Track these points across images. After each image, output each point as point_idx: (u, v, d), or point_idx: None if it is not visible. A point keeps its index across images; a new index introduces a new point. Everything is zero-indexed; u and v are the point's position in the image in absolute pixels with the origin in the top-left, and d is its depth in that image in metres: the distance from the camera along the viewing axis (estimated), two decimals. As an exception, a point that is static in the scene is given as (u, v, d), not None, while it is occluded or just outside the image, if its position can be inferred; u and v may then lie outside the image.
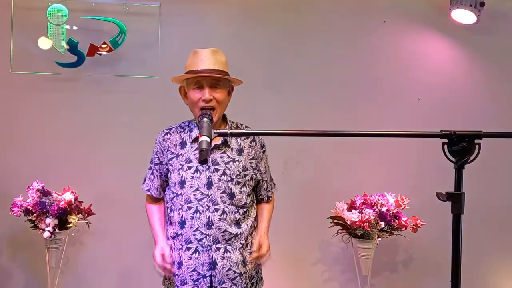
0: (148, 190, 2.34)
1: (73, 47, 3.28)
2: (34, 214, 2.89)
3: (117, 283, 3.40)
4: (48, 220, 2.88)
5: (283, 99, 3.51)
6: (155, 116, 3.30)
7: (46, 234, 2.87)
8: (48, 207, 2.89)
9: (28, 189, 2.96)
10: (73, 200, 2.96)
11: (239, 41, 3.43)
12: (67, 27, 3.30)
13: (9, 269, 3.31)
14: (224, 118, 2.31)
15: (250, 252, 2.29)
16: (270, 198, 2.42)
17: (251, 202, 2.31)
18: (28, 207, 2.89)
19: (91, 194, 3.18)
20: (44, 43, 3.27)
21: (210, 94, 2.16)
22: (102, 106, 3.37)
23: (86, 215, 3.02)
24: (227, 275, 2.21)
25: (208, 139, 1.44)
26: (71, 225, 2.95)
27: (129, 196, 3.21)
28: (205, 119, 1.56)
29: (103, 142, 3.37)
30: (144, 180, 2.37)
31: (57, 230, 2.92)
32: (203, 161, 1.42)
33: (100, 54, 3.32)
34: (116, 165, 3.35)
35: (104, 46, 3.31)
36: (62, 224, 2.94)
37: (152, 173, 2.32)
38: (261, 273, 2.39)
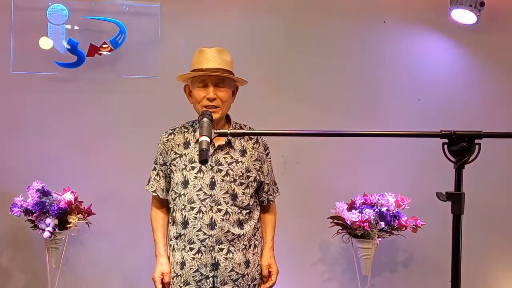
0: (154, 191, 2.32)
1: (73, 47, 3.28)
2: (34, 214, 2.89)
3: (117, 283, 3.40)
4: (48, 220, 2.88)
5: (283, 99, 3.51)
6: (156, 116, 3.30)
7: (46, 234, 2.87)
8: (48, 207, 2.89)
9: (28, 189, 2.96)
10: (73, 200, 2.96)
11: (239, 41, 3.43)
12: (67, 27, 3.30)
13: (9, 269, 3.31)
14: (228, 119, 2.32)
15: (254, 254, 2.29)
16: (271, 202, 2.42)
17: (254, 203, 2.31)
18: (28, 207, 2.88)
19: (91, 194, 3.17)
20: (45, 43, 3.26)
21: (214, 92, 2.16)
22: (102, 106, 3.37)
23: (86, 215, 3.01)
24: (229, 276, 2.21)
25: (208, 139, 1.44)
26: (71, 225, 2.94)
27: (129, 196, 3.23)
28: (205, 119, 1.55)
29: (103, 142, 3.37)
30: (149, 182, 2.35)
31: (57, 230, 2.92)
32: (203, 161, 1.42)
33: (100, 54, 3.32)
34: (116, 165, 3.35)
35: (104, 46, 3.31)
36: (62, 224, 2.94)
37: (158, 174, 2.31)
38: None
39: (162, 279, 2.27)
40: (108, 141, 3.37)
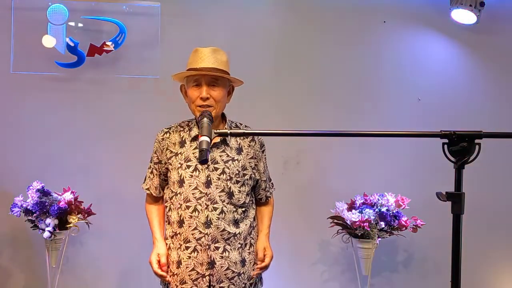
0: (147, 189, 2.34)
1: (73, 47, 3.28)
2: (34, 214, 2.89)
3: (117, 283, 3.40)
4: (48, 220, 2.88)
5: (283, 99, 3.51)
6: (155, 116, 3.29)
7: (46, 234, 2.87)
8: (48, 207, 2.89)
9: (28, 189, 2.96)
10: (73, 200, 2.96)
11: (239, 41, 3.43)
12: (68, 26, 3.30)
13: (9, 269, 3.31)
14: (223, 118, 2.32)
15: (249, 253, 2.29)
16: (269, 199, 2.42)
17: (250, 202, 2.32)
18: (28, 207, 2.88)
19: (91, 194, 3.17)
20: (48, 41, 3.26)
21: (207, 92, 2.17)
22: (102, 106, 3.37)
23: (86, 215, 3.01)
24: (225, 274, 2.21)
25: (208, 139, 1.44)
26: (71, 225, 2.95)
27: (129, 196, 3.22)
28: (205, 119, 1.55)
29: (103, 142, 3.37)
30: (145, 180, 2.37)
31: (57, 230, 2.92)
32: (203, 161, 1.42)
33: (100, 54, 3.32)
34: (116, 165, 3.35)
35: (104, 46, 3.31)
36: (62, 224, 2.94)
37: (152, 172, 2.33)
38: (261, 274, 2.39)
39: (158, 261, 2.26)
40: (108, 141, 3.37)
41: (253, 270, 2.31)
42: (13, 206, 2.92)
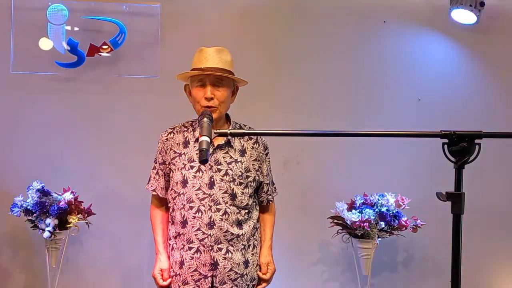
0: (153, 190, 2.33)
1: (73, 47, 3.28)
2: (34, 214, 2.89)
3: (117, 283, 3.40)
4: (48, 220, 2.88)
5: (283, 99, 3.51)
6: (155, 116, 3.30)
7: (46, 234, 2.87)
8: (48, 207, 2.88)
9: (28, 189, 2.96)
10: (73, 200, 2.96)
11: (239, 41, 3.43)
12: (67, 27, 3.30)
13: (9, 269, 3.31)
14: (227, 118, 2.32)
15: (253, 254, 2.29)
16: (270, 202, 2.42)
17: (253, 203, 2.31)
18: (28, 207, 2.89)
19: (91, 194, 3.17)
20: (45, 43, 3.26)
21: (211, 92, 2.17)
22: (102, 106, 3.37)
23: (86, 215, 3.01)
24: (228, 275, 2.21)
25: (208, 139, 1.44)
26: (71, 225, 2.95)
27: (129, 196, 3.23)
28: (205, 119, 1.55)
29: (103, 142, 3.37)
30: (149, 181, 2.36)
31: (57, 230, 2.92)
32: (203, 161, 1.42)
33: (100, 54, 3.32)
34: (116, 165, 3.35)
35: (104, 46, 3.31)
36: (62, 224, 2.94)
37: (157, 173, 2.32)
38: None
39: (162, 275, 2.27)
40: (108, 141, 3.37)
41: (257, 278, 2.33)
42: (13, 206, 2.92)
